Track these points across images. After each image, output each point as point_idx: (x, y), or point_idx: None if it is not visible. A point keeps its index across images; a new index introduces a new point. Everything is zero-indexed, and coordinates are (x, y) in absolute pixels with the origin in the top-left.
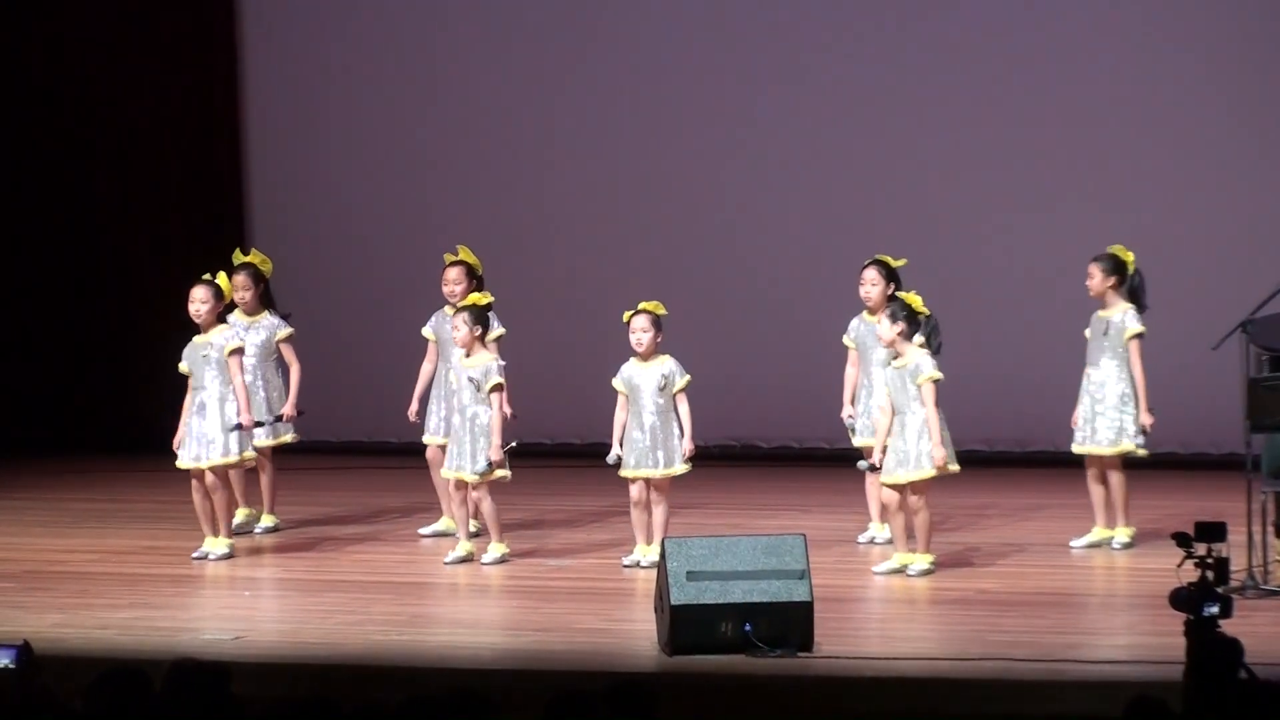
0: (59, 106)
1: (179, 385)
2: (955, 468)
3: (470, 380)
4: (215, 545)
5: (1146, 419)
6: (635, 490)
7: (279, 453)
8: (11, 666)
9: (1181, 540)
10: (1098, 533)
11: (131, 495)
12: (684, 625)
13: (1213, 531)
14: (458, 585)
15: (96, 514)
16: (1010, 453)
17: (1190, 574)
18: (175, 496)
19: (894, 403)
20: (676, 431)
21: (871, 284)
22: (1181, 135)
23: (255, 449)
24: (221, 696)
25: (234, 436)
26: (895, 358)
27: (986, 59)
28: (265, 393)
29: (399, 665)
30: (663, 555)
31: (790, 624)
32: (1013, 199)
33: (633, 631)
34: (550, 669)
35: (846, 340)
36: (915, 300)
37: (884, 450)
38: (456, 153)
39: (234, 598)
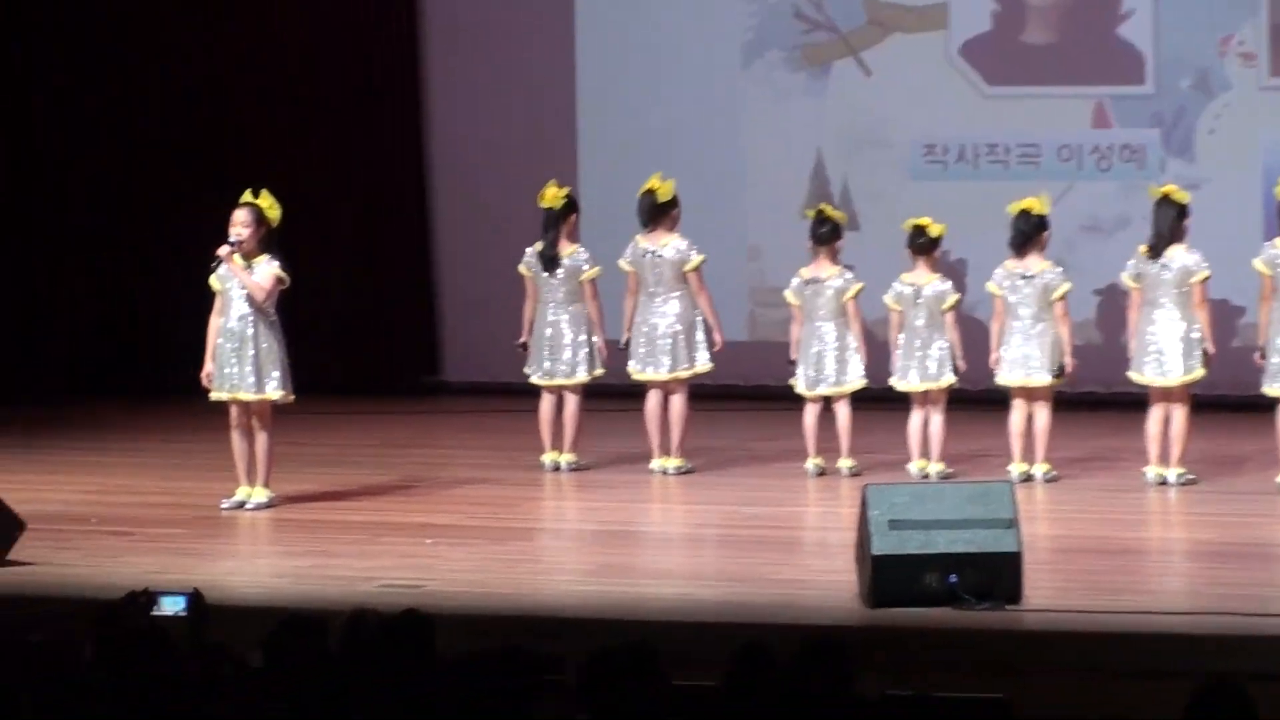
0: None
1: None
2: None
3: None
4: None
5: None
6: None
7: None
8: (183, 614)
9: None
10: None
11: (306, 439)
12: (886, 577)
13: None
14: (648, 533)
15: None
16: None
17: None
18: (353, 440)
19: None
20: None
21: None
22: None
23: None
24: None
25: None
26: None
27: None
28: (255, 345)
29: (585, 617)
30: (864, 503)
31: (998, 575)
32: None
33: (832, 583)
34: (742, 621)
35: (992, 288)
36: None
37: None
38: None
39: (415, 545)
